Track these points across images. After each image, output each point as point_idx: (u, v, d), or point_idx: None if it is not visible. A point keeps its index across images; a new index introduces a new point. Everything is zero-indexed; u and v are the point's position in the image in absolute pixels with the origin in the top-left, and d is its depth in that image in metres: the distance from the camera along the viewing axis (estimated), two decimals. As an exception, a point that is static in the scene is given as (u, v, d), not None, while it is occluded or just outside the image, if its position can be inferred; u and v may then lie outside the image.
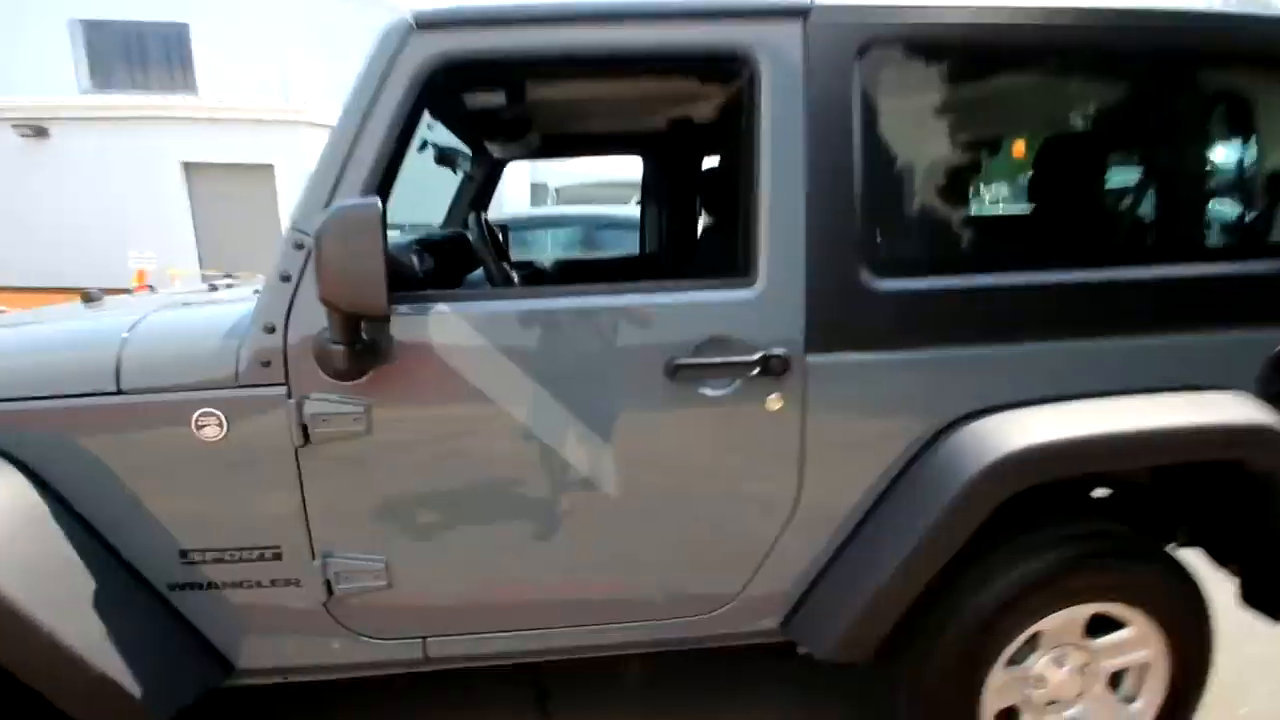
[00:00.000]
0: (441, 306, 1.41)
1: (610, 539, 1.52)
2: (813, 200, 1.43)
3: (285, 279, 1.39)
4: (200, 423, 1.38)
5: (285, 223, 1.64)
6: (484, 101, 1.82)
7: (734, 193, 1.53)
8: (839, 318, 1.46)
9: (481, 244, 1.91)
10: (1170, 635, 1.61)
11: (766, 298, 1.45)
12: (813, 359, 1.46)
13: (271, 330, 1.38)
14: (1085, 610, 1.57)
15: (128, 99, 11.78)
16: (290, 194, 10.70)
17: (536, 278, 3.09)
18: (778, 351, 1.43)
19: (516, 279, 2.23)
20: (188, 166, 11.49)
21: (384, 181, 1.39)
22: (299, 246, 1.38)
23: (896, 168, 1.53)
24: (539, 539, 1.50)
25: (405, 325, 1.39)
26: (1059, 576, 1.52)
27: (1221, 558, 1.77)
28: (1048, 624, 1.56)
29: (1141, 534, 1.63)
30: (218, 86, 12.42)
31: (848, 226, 1.44)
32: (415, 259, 1.76)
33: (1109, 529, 1.60)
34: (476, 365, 1.41)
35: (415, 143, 2.46)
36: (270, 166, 11.36)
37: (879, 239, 1.48)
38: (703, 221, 3.00)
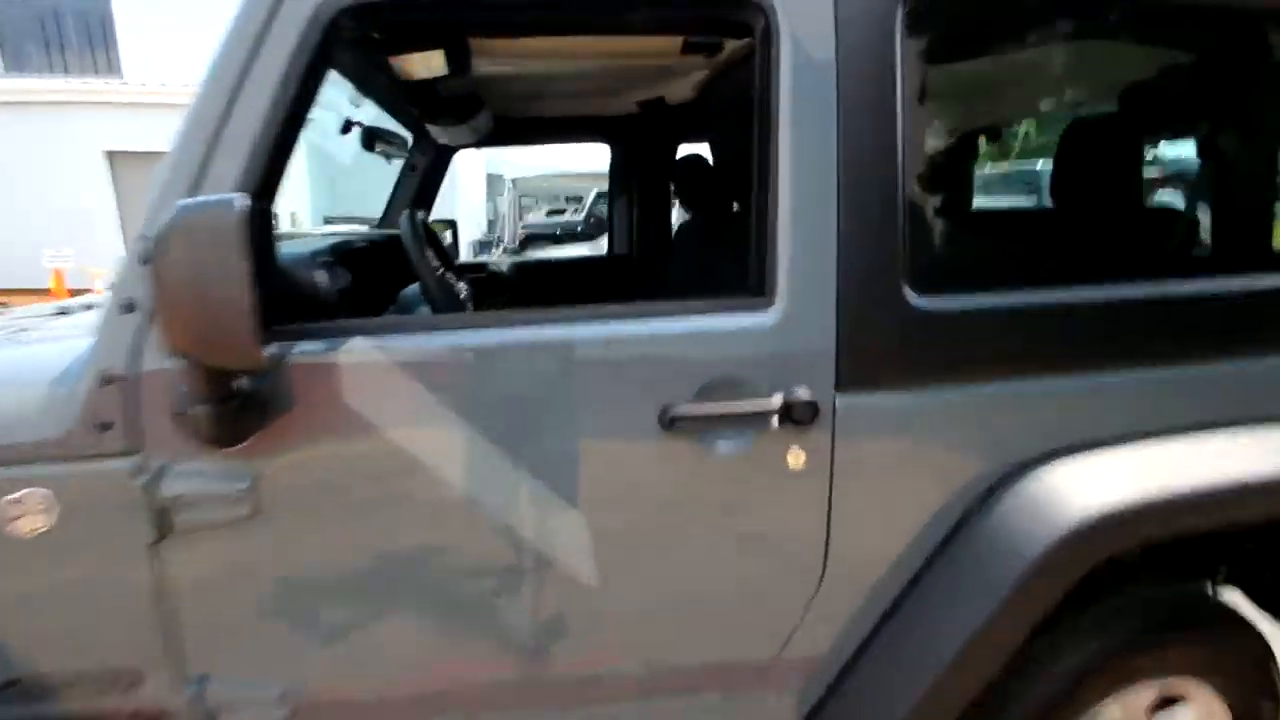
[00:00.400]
0: (356, 342, 1.05)
1: (593, 633, 1.19)
2: (848, 196, 1.11)
3: (128, 309, 1.00)
4: (15, 509, 1.00)
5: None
6: (419, 68, 1.44)
7: (725, 187, 1.18)
8: (879, 347, 1.15)
9: (416, 252, 1.53)
10: (1234, 706, 1.36)
11: (787, 324, 1.12)
12: (845, 400, 1.14)
13: (111, 381, 1.00)
14: (1150, 692, 1.32)
15: (44, 83, 11.01)
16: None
17: (490, 284, 2.71)
18: (803, 394, 1.11)
19: (464, 290, 1.85)
20: (112, 155, 10.83)
21: (268, 175, 1.02)
22: (148, 263, 0.99)
23: (953, 150, 1.21)
24: (495, 643, 1.16)
25: (304, 365, 1.03)
26: (1123, 656, 1.26)
27: (1268, 602, 1.52)
28: (1109, 709, 1.31)
29: (1186, 578, 1.40)
30: (144, 68, 11.65)
31: (891, 231, 1.12)
32: (324, 275, 1.37)
33: (1176, 594, 1.35)
34: (404, 420, 1.06)
35: (338, 122, 2.09)
36: (202, 155, 10.69)
37: (930, 246, 1.16)
38: (680, 219, 2.68)
